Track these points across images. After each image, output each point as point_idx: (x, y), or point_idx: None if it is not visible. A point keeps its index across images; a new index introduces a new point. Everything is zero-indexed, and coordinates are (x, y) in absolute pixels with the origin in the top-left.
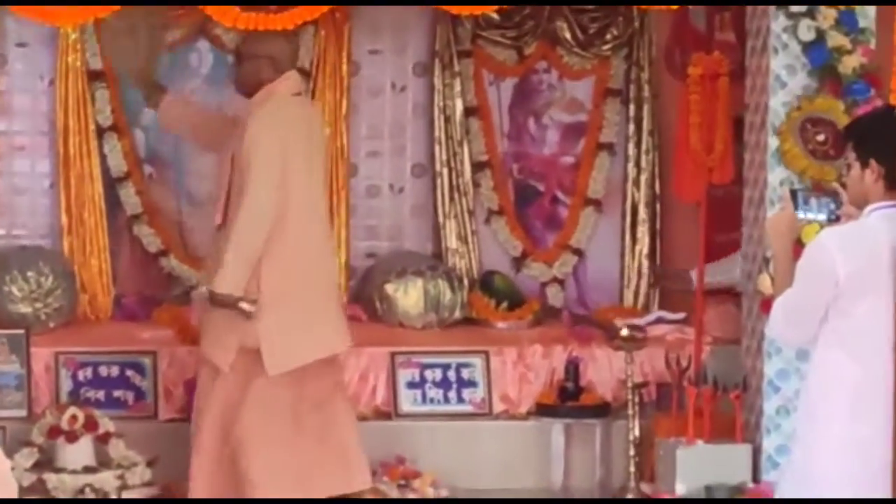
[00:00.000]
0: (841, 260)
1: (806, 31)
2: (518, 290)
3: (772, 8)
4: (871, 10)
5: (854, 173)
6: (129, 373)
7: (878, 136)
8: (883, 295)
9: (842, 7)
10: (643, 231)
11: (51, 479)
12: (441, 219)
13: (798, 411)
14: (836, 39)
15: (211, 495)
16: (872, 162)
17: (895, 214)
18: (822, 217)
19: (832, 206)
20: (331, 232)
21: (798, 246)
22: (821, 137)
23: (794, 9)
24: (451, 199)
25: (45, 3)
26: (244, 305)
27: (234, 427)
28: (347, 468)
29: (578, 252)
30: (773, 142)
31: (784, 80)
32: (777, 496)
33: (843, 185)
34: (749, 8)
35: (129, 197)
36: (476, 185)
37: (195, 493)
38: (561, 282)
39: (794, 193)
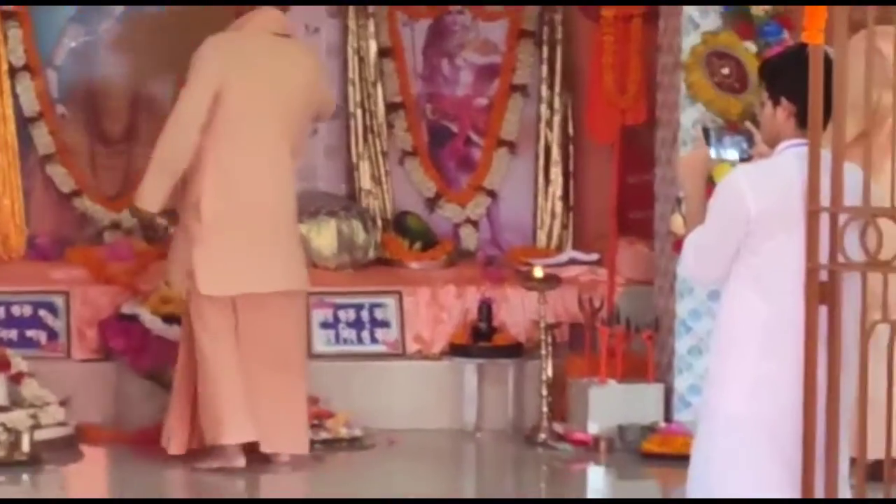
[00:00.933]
0: (752, 198)
1: None
2: (431, 230)
3: None
4: None
5: (766, 111)
6: (41, 312)
7: (789, 74)
8: (793, 233)
9: None
10: (556, 172)
11: None
12: (355, 160)
13: (710, 350)
14: None
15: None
16: (784, 100)
17: (804, 153)
18: (735, 155)
19: (744, 144)
20: (291, 174)
21: (710, 185)
22: (725, 71)
23: None
24: (365, 140)
25: None
26: (160, 221)
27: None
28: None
29: (492, 193)
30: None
31: (697, 22)
32: (695, 437)
33: (757, 124)
34: None
35: (42, 137)
36: (390, 126)
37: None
38: (474, 223)
39: (706, 132)
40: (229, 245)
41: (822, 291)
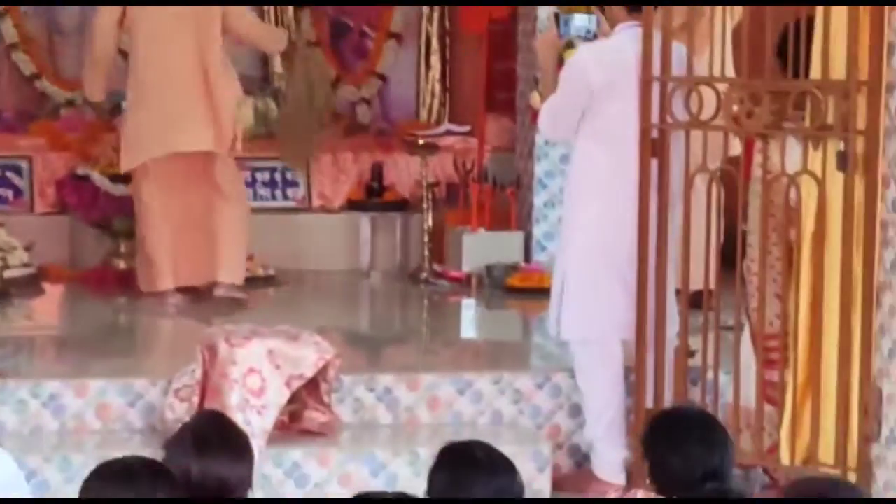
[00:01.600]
0: (594, 69)
1: None
2: (334, 106)
3: None
4: None
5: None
6: (9, 174)
7: None
8: (630, 99)
9: None
10: (436, 60)
11: None
12: None
13: (564, 199)
14: None
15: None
16: None
17: (639, 33)
18: (581, 35)
19: (589, 26)
20: (198, 59)
21: (560, 63)
22: None
23: None
24: None
25: None
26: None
27: None
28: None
29: (382, 77)
30: None
31: None
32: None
33: (602, 11)
34: None
35: (8, 28)
36: (298, 21)
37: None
38: (368, 101)
39: (557, 17)
40: (143, 121)
41: (653, 146)
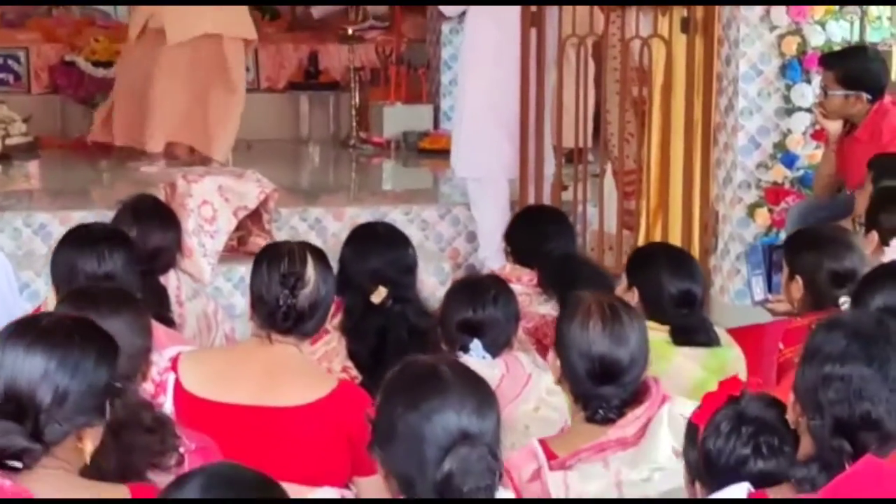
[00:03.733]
0: None
1: None
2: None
3: None
4: None
5: None
6: (10, 62)
7: None
8: None
9: None
10: None
11: None
12: None
13: (459, 65)
14: None
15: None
16: None
17: None
18: None
19: None
20: None
21: None
22: None
23: None
24: None
25: None
26: None
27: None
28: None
29: None
30: None
31: None
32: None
33: None
34: None
35: None
36: None
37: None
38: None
39: None
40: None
41: (533, 18)
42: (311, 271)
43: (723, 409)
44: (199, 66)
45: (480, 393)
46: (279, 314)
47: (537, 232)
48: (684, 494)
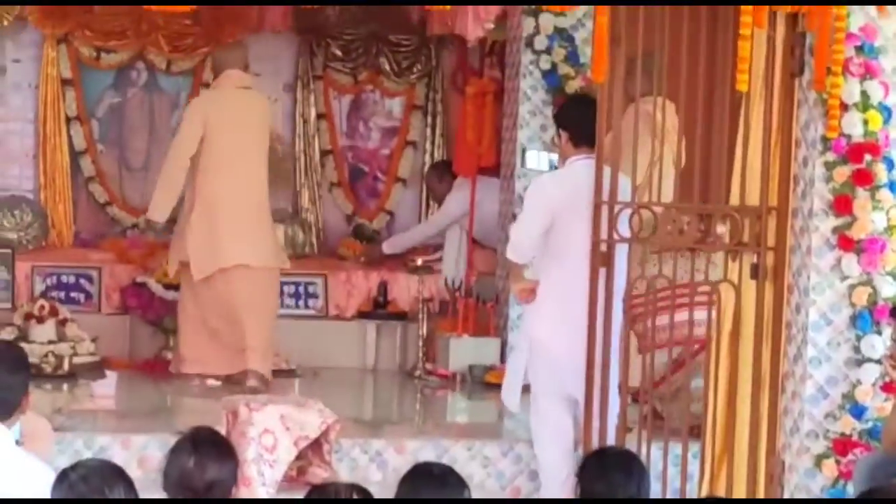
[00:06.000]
0: (554, 192)
1: (545, 63)
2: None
3: (522, 46)
4: (588, 50)
5: (560, 140)
6: (82, 281)
7: (565, 113)
8: (582, 218)
9: (568, 48)
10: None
11: (24, 348)
12: (298, 188)
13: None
14: (564, 69)
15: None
16: (562, 131)
17: (587, 164)
18: (545, 167)
19: (551, 159)
20: (259, 184)
21: None
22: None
23: (538, 47)
24: (306, 174)
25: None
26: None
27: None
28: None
29: (390, 213)
30: (522, 135)
31: (529, 96)
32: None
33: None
34: (508, 46)
35: (87, 164)
36: (322, 165)
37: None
38: (378, 232)
39: (524, 151)
40: (207, 238)
41: (602, 259)
42: None
43: None
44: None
45: None
46: None
47: (606, 476)
48: None
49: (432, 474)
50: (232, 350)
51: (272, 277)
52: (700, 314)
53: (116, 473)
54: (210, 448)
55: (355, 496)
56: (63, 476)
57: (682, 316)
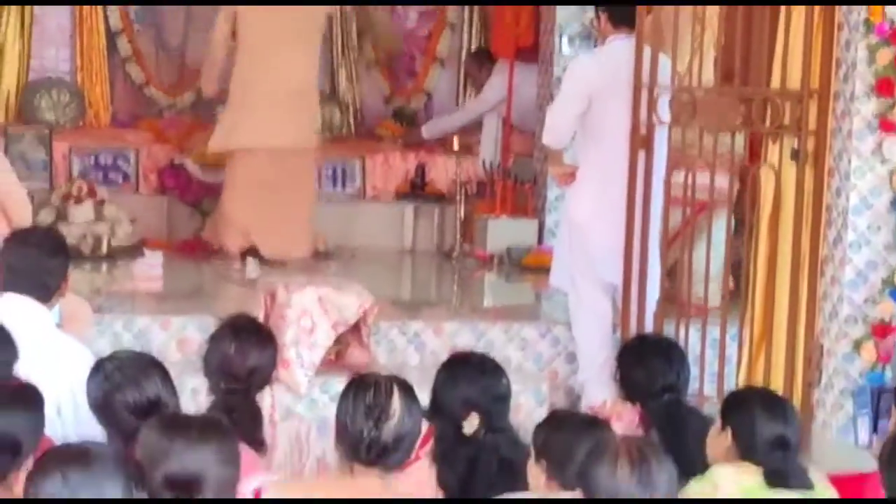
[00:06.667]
0: (593, 73)
1: None
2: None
3: None
4: None
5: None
6: (119, 162)
7: None
8: (621, 99)
9: None
10: (471, 80)
11: (63, 228)
12: (335, 67)
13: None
14: None
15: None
16: (601, 11)
17: (628, 44)
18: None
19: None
20: (305, 66)
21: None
22: None
23: None
24: (343, 53)
25: None
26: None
27: None
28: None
29: (428, 94)
30: (560, 16)
31: None
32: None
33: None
34: None
35: (123, 44)
36: (360, 46)
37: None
38: (417, 113)
39: (561, 34)
40: (244, 116)
41: (641, 142)
42: (396, 404)
43: None
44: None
45: None
46: (363, 446)
47: (646, 364)
48: None
49: (470, 360)
50: (270, 231)
51: (305, 159)
52: (720, 180)
53: (152, 363)
54: (250, 335)
55: (395, 387)
56: (98, 366)
57: (703, 178)
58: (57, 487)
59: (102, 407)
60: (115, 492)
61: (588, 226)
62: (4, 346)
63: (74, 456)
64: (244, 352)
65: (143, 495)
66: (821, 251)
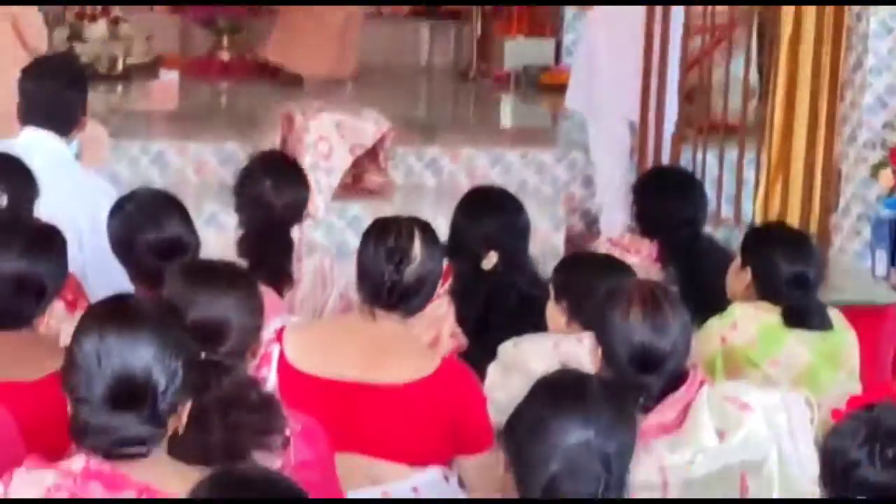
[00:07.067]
0: None
1: None
2: None
3: None
4: None
5: None
6: None
7: None
8: None
9: None
10: None
11: (78, 47)
12: None
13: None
14: None
15: None
16: None
17: None
18: None
19: None
20: None
21: None
22: None
23: None
24: None
25: None
26: None
27: None
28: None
29: None
30: None
31: None
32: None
33: None
34: None
35: None
36: None
37: None
38: None
39: None
40: None
41: None
42: (417, 248)
43: (856, 413)
44: None
45: (620, 415)
46: (384, 290)
47: (664, 199)
48: (731, 475)
49: (490, 196)
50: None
51: None
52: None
53: (171, 202)
54: (284, 171)
55: (416, 230)
56: (119, 206)
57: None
58: (94, 345)
59: (124, 247)
60: (147, 354)
61: (606, 46)
62: (26, 184)
63: (111, 314)
64: (279, 188)
65: (178, 363)
66: (840, 75)
